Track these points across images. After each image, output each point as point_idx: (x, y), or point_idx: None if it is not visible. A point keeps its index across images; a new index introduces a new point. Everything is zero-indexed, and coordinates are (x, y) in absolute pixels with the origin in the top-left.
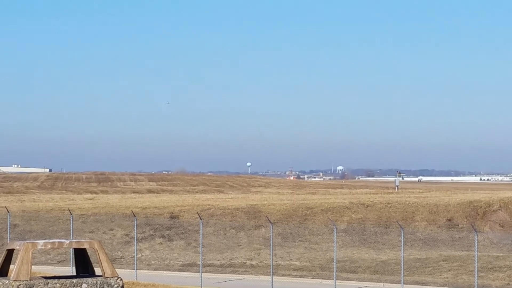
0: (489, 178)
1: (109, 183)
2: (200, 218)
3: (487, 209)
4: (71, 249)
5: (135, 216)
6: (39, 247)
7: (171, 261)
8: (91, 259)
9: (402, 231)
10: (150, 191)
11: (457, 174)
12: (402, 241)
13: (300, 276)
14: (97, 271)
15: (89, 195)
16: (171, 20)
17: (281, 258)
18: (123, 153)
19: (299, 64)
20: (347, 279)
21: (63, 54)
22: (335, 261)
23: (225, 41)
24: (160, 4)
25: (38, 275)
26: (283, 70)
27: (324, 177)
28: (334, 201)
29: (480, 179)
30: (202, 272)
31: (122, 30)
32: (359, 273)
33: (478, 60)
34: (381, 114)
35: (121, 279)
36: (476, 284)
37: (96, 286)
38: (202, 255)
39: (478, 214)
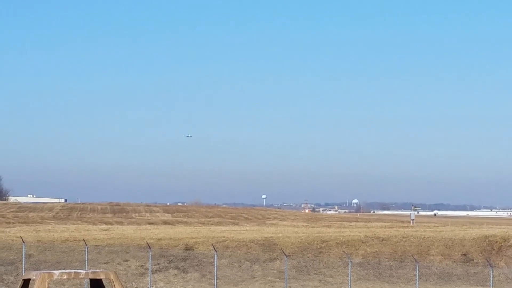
0: (505, 213)
1: (124, 214)
2: (215, 250)
3: (502, 244)
4: (86, 279)
5: (150, 248)
6: (55, 277)
7: None
8: None
9: (417, 265)
10: (165, 222)
11: (472, 208)
12: (417, 275)
13: None
14: None
15: (104, 226)
16: (185, 52)
17: None
18: (139, 184)
19: (314, 97)
20: None
21: (78, 83)
22: None
23: (240, 73)
24: (175, 36)
25: None
26: (299, 102)
27: (339, 210)
28: (349, 234)
29: (503, 214)
30: None
31: (139, 60)
32: None
33: (493, 93)
34: (397, 148)
35: None
36: None
37: None
38: (216, 287)
39: (494, 249)
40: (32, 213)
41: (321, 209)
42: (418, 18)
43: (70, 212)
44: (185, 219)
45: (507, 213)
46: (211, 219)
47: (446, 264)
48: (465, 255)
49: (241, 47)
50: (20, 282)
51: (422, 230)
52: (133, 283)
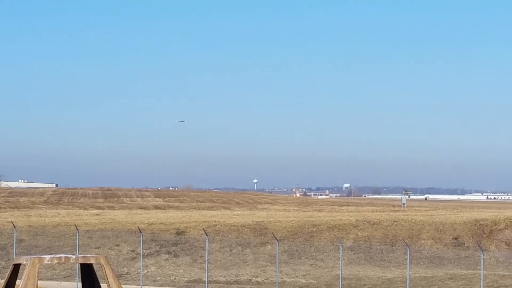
0: (496, 196)
1: (116, 198)
2: (206, 235)
3: (493, 227)
4: (77, 264)
5: (141, 232)
6: (45, 262)
7: (177, 277)
8: (97, 275)
9: (408, 249)
10: (156, 207)
11: (463, 192)
12: (408, 259)
13: None
14: (103, 286)
15: (95, 211)
16: (177, 40)
17: (287, 275)
18: (130, 169)
19: (304, 82)
20: None
21: (68, 69)
22: (340, 278)
23: (231, 58)
24: (168, 26)
25: None
26: (289, 86)
27: (330, 194)
28: (340, 218)
29: (487, 198)
30: None
31: (128, 45)
32: None
33: (486, 78)
34: (388, 132)
35: None
36: None
37: None
38: (207, 272)
39: (484, 233)
40: (23, 198)
41: (312, 193)
42: (419, 4)
43: (61, 197)
44: (176, 204)
45: (496, 197)
46: (203, 203)
47: (437, 248)
48: (456, 239)
49: (231, 32)
50: (10, 267)
51: (413, 214)
52: (125, 268)
